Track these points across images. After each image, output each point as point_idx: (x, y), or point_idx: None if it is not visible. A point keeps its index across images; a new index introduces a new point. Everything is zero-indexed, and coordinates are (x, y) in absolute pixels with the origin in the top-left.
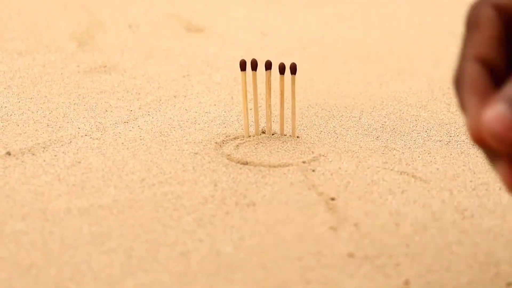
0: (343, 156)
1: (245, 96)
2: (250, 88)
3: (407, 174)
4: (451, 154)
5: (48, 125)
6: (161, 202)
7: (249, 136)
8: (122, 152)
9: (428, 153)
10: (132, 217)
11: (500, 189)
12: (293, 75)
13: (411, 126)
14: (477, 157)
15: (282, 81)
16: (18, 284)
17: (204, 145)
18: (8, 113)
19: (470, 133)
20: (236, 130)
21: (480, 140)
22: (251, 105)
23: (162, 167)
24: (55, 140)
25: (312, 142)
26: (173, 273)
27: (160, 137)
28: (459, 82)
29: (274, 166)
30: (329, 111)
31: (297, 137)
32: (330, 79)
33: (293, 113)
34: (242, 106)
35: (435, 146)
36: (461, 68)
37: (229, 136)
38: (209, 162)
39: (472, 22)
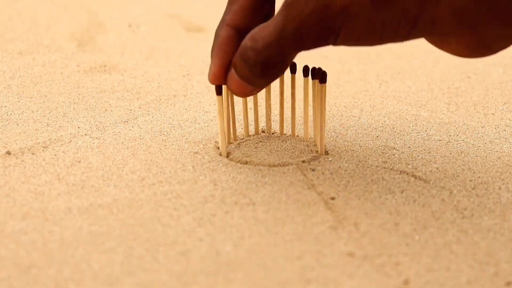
0: (343, 156)
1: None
2: None
3: (407, 174)
4: (450, 153)
5: (48, 125)
6: (161, 201)
7: (249, 136)
8: (122, 151)
9: (428, 153)
10: (132, 217)
11: (499, 188)
12: (293, 74)
13: (411, 125)
14: (477, 156)
15: (282, 80)
16: (18, 284)
17: (204, 145)
18: (8, 112)
19: (209, 76)
20: (236, 130)
21: (214, 83)
22: (250, 104)
23: (162, 167)
24: (55, 139)
25: (312, 142)
26: (173, 272)
27: (160, 137)
28: (215, 38)
29: (274, 166)
30: (329, 110)
31: (297, 136)
32: (329, 78)
33: (293, 112)
34: (241, 106)
35: (434, 146)
36: (218, 30)
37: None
38: (209, 162)
39: None
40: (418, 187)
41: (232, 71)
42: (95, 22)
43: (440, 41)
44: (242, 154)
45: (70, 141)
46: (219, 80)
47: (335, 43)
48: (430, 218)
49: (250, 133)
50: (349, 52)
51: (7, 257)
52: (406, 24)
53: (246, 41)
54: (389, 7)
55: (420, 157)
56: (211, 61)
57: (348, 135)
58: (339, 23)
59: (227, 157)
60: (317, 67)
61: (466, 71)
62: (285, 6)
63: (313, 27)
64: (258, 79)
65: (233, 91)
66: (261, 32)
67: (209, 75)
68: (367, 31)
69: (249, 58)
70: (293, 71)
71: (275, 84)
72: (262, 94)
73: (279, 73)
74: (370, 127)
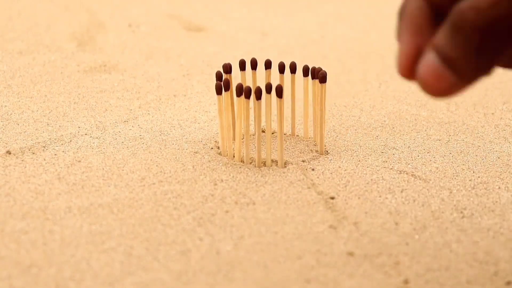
0: (343, 155)
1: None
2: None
3: (407, 173)
4: (450, 153)
5: (48, 124)
6: (161, 201)
7: (249, 135)
8: (122, 151)
9: (428, 152)
10: (132, 216)
11: (499, 188)
12: (293, 74)
13: (411, 125)
14: (477, 156)
15: (282, 80)
16: (18, 283)
17: (204, 144)
18: (8, 112)
19: (398, 65)
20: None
21: (406, 74)
22: (250, 104)
23: (162, 166)
24: (55, 139)
25: (312, 141)
26: (173, 271)
27: (160, 136)
28: (401, 14)
29: (274, 165)
30: (329, 110)
31: (297, 136)
32: (329, 78)
33: (293, 112)
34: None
35: (434, 145)
36: (407, 1)
37: None
38: (209, 161)
39: None
40: (418, 187)
41: (430, 55)
42: (95, 22)
43: None
44: (243, 153)
45: (70, 140)
46: (411, 71)
47: None
48: (430, 217)
49: (250, 133)
50: (349, 52)
51: (8, 257)
52: None
53: (461, 4)
54: None
55: (419, 156)
56: (400, 46)
57: (348, 135)
58: None
59: (228, 156)
60: (317, 67)
61: None
62: None
63: None
64: (470, 62)
65: (427, 83)
66: None
67: (398, 61)
68: None
69: (466, 21)
70: (293, 71)
71: (275, 84)
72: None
73: (502, 52)
74: (370, 127)
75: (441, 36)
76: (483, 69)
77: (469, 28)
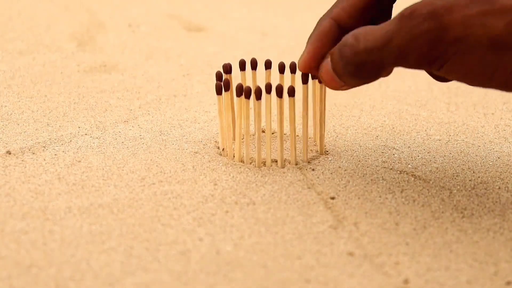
0: (343, 155)
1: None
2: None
3: (407, 173)
4: (450, 153)
5: (48, 124)
6: (161, 201)
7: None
8: (122, 151)
9: (428, 152)
10: (132, 216)
11: (499, 188)
12: (293, 74)
13: (411, 125)
14: (477, 156)
15: (281, 80)
16: (18, 283)
17: (204, 144)
18: (8, 112)
19: (299, 61)
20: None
21: (303, 70)
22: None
23: (162, 166)
24: (55, 139)
25: (312, 142)
26: (173, 272)
27: (160, 136)
28: (315, 28)
29: (274, 165)
30: (329, 110)
31: (297, 135)
32: None
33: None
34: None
35: (434, 145)
36: (321, 20)
37: None
38: (209, 161)
39: None
40: (418, 187)
41: (328, 60)
42: (95, 22)
43: None
44: (243, 153)
45: (70, 140)
46: (308, 68)
47: (438, 70)
48: (430, 217)
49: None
50: None
51: (8, 257)
52: None
53: (349, 37)
54: (509, 53)
55: (420, 156)
56: (305, 48)
57: (348, 135)
58: (450, 52)
59: (228, 156)
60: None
61: None
62: (400, 16)
63: (422, 47)
64: (349, 78)
65: (323, 80)
66: (366, 35)
67: (299, 61)
68: (476, 70)
69: (346, 55)
70: (293, 71)
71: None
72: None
73: (370, 79)
74: (370, 127)
75: (334, 52)
76: (363, 83)
77: (347, 60)
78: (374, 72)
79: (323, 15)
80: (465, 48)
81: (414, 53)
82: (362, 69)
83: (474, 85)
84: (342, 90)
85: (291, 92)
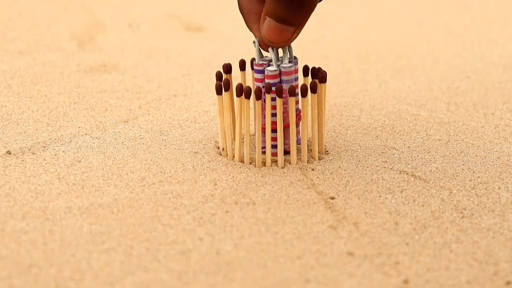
0: (343, 155)
1: None
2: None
3: (407, 173)
4: (450, 153)
5: (48, 124)
6: (161, 201)
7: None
8: (122, 151)
9: (428, 152)
10: (132, 216)
11: (499, 188)
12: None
13: (411, 125)
14: (477, 156)
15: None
16: (18, 283)
17: (204, 144)
18: (8, 112)
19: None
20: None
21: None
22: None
23: (162, 166)
24: (55, 139)
25: (311, 141)
26: (173, 271)
27: (160, 136)
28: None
29: (274, 165)
30: (329, 110)
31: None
32: (329, 78)
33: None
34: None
35: (434, 145)
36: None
37: None
38: (209, 161)
39: None
40: (417, 187)
41: (266, 20)
42: (95, 22)
43: None
44: (243, 153)
45: (70, 140)
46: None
47: None
48: (429, 217)
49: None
50: (349, 52)
51: (8, 257)
52: None
53: None
54: None
55: (419, 156)
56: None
57: (348, 135)
58: None
59: (227, 156)
60: (317, 67)
61: (465, 70)
62: None
63: None
64: (297, 14)
65: (274, 40)
66: None
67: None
68: None
69: None
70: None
71: None
72: None
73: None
74: (370, 127)
75: (269, 5)
76: (311, 8)
77: None
78: None
79: None
80: None
81: None
82: None
83: None
84: (294, 38)
85: (292, 92)
